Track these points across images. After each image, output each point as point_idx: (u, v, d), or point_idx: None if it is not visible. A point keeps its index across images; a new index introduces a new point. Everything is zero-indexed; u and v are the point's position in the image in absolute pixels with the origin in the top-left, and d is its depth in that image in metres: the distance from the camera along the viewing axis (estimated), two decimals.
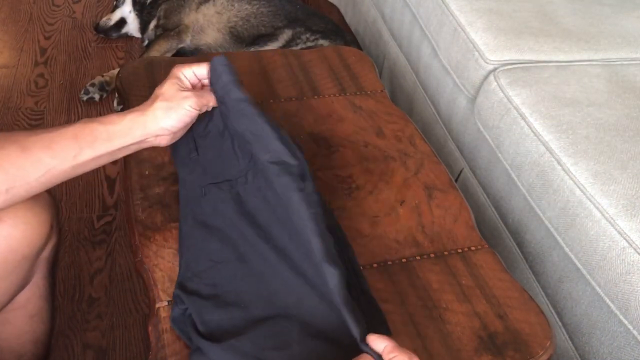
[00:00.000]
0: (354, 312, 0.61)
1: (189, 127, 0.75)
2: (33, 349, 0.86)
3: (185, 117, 0.71)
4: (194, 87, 0.75)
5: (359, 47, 1.71)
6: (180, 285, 0.70)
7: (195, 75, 0.75)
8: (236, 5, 1.76)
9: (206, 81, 0.76)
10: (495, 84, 1.07)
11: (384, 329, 0.69)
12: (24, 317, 0.83)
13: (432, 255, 0.80)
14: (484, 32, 1.14)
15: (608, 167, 0.88)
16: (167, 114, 0.69)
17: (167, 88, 0.71)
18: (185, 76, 0.73)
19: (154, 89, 0.72)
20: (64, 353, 1.07)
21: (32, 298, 0.82)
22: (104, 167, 1.46)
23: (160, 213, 0.79)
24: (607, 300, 0.83)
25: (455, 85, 1.21)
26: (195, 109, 0.72)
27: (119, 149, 0.68)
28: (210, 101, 0.75)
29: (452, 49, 1.20)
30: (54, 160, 0.63)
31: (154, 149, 0.89)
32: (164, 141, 0.72)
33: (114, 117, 0.68)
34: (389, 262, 0.79)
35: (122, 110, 0.75)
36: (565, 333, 0.94)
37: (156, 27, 1.82)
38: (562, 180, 0.90)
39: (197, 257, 0.72)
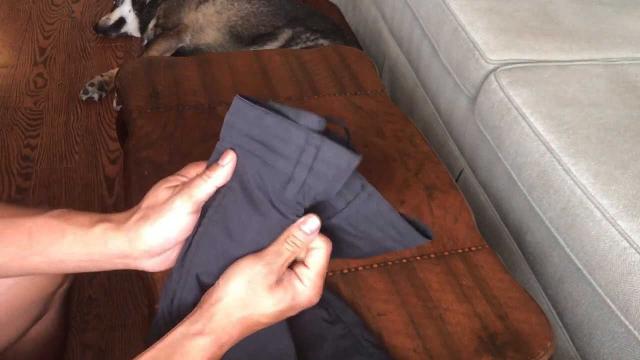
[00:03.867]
0: None
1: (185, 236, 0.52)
2: None
3: (180, 228, 0.51)
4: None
5: (359, 47, 1.71)
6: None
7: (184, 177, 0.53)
8: (236, 4, 1.76)
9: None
10: (496, 83, 1.06)
11: None
12: (36, 346, 0.81)
13: (432, 255, 0.80)
14: (485, 31, 1.14)
15: (609, 167, 0.88)
16: (154, 227, 0.49)
17: (151, 196, 0.52)
18: (174, 179, 0.53)
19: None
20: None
21: (44, 330, 0.79)
22: (103, 167, 1.46)
23: None
24: (608, 301, 0.82)
25: (456, 85, 1.21)
26: (190, 213, 0.50)
27: (85, 261, 0.51)
28: (201, 188, 0.51)
29: (453, 49, 1.20)
30: (1, 257, 0.51)
31: (154, 148, 0.89)
32: (146, 265, 0.52)
33: (85, 219, 0.51)
34: (389, 262, 0.79)
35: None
36: (565, 333, 0.94)
37: (155, 26, 1.82)
38: (562, 180, 0.90)
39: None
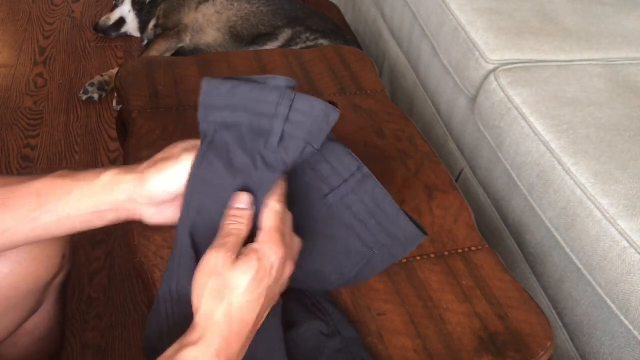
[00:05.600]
0: None
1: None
2: None
3: (180, 176, 0.54)
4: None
5: (359, 47, 1.71)
6: None
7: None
8: (236, 4, 1.76)
9: None
10: (496, 83, 1.06)
11: None
12: (33, 340, 0.81)
13: (432, 255, 0.80)
14: (485, 31, 1.14)
15: (609, 167, 0.88)
16: (161, 177, 0.53)
17: (165, 151, 0.56)
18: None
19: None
20: (63, 353, 1.07)
21: (41, 323, 0.80)
22: (103, 167, 1.46)
23: None
24: (608, 301, 0.82)
25: (456, 85, 1.21)
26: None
27: (90, 213, 0.54)
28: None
29: (453, 49, 1.20)
30: (11, 221, 0.53)
31: (154, 148, 0.89)
32: (149, 217, 0.56)
33: (90, 175, 0.54)
34: None
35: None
36: (566, 333, 0.94)
37: (155, 26, 1.82)
38: (562, 180, 0.90)
39: None
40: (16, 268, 0.67)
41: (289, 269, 0.53)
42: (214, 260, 0.49)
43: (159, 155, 0.56)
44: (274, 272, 0.50)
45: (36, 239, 0.56)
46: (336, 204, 0.57)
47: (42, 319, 0.79)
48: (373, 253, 0.60)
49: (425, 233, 0.58)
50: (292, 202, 0.56)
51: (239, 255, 0.49)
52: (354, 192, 0.57)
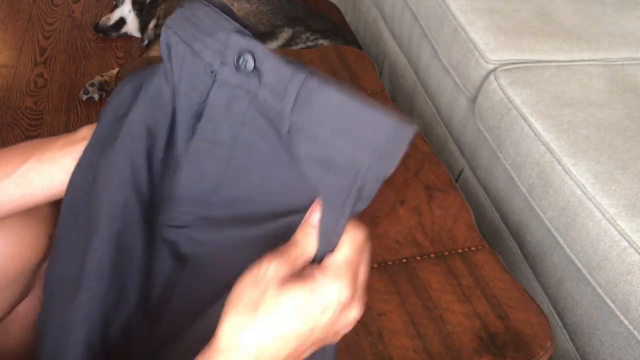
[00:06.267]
0: None
1: None
2: None
3: None
4: None
5: (359, 47, 1.71)
6: None
7: None
8: (235, 4, 1.76)
9: None
10: (496, 83, 1.07)
11: None
12: (25, 327, 0.80)
13: (432, 255, 0.80)
14: (484, 31, 1.14)
15: (609, 167, 0.88)
16: None
17: None
18: None
19: None
20: None
21: (32, 309, 0.79)
22: None
23: None
24: (608, 301, 0.82)
25: (456, 85, 1.21)
26: None
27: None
28: None
29: (452, 49, 1.20)
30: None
31: None
32: None
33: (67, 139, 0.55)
34: (389, 262, 0.79)
35: None
36: (565, 333, 0.94)
37: (156, 26, 1.82)
38: (562, 180, 0.90)
39: None
40: (3, 249, 0.67)
41: (352, 315, 0.42)
42: (265, 268, 0.39)
43: None
44: (327, 314, 0.39)
45: (25, 204, 0.57)
46: (297, 146, 0.42)
47: (33, 305, 0.79)
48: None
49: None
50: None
51: (294, 273, 0.39)
52: (309, 113, 0.41)
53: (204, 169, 0.48)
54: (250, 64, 0.43)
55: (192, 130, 0.48)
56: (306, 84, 0.41)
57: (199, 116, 0.47)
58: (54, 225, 0.73)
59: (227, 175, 0.48)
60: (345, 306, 0.41)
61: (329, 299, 0.39)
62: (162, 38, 0.48)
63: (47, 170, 0.56)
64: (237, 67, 0.44)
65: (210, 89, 0.46)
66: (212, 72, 0.45)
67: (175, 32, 0.47)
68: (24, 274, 0.72)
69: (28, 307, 0.79)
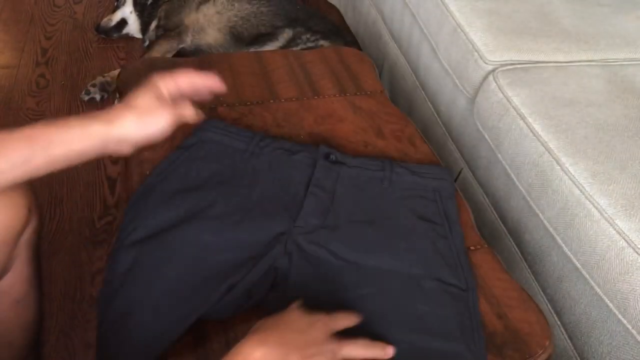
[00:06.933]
0: None
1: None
2: (22, 335, 0.85)
3: (157, 133, 0.67)
4: (173, 99, 0.69)
5: (359, 48, 1.71)
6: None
7: (176, 85, 0.69)
8: (236, 5, 1.77)
9: (187, 91, 0.71)
10: (495, 84, 1.07)
11: None
12: (9, 303, 0.81)
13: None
14: (484, 32, 1.15)
15: (607, 167, 0.89)
16: (137, 127, 0.66)
17: (142, 98, 0.67)
18: (165, 86, 0.69)
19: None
20: (65, 353, 1.08)
21: (15, 284, 0.80)
22: (105, 167, 1.46)
23: None
24: (606, 300, 0.83)
25: (455, 85, 1.22)
26: (169, 127, 0.67)
27: (76, 155, 0.65)
28: (187, 114, 0.69)
29: (452, 50, 1.20)
30: (5, 165, 0.60)
31: (156, 148, 0.89)
32: (125, 150, 0.68)
33: (73, 122, 0.64)
34: None
35: None
36: (564, 332, 0.94)
37: (157, 27, 1.83)
38: (561, 180, 0.91)
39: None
40: None
41: None
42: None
43: (135, 102, 0.67)
44: None
45: (23, 180, 0.63)
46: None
47: (16, 279, 0.80)
48: None
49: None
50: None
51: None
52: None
53: None
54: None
55: None
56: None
57: None
58: (32, 197, 0.76)
59: None
60: None
61: None
62: None
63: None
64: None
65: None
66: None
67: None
68: (7, 243, 0.73)
69: (11, 281, 0.79)
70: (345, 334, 0.62)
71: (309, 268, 0.72)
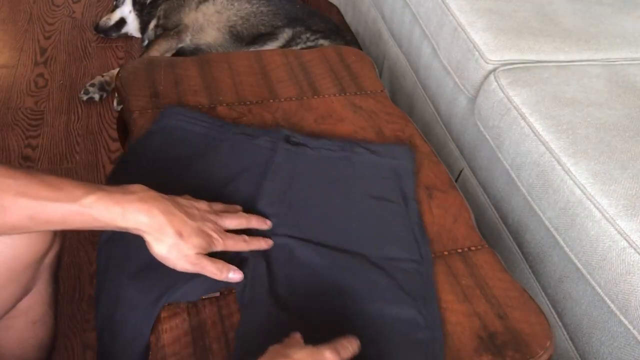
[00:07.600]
0: None
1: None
2: (36, 355, 0.86)
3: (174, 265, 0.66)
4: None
5: (359, 47, 1.71)
6: None
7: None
8: (236, 4, 1.77)
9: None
10: (496, 84, 1.07)
11: None
12: (26, 323, 0.82)
13: (432, 255, 0.80)
14: (484, 32, 1.14)
15: (608, 167, 0.88)
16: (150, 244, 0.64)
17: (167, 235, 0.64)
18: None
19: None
20: (63, 353, 1.07)
21: (34, 305, 0.81)
22: (104, 167, 1.46)
23: None
24: (607, 300, 0.83)
25: (455, 85, 1.22)
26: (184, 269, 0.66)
27: (75, 228, 0.63)
28: (209, 271, 0.67)
29: (452, 49, 1.20)
30: (36, 207, 0.59)
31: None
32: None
33: (88, 200, 0.61)
34: None
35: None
36: (565, 333, 0.94)
37: (156, 26, 1.83)
38: (562, 180, 0.90)
39: None
40: (16, 240, 0.70)
41: None
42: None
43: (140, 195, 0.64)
44: None
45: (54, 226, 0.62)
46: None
47: (35, 301, 0.81)
48: None
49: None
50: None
51: None
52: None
53: None
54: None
55: None
56: None
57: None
58: None
59: None
60: None
61: None
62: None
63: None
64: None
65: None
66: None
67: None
68: (31, 266, 0.74)
69: (30, 303, 0.80)
70: (302, 305, 0.68)
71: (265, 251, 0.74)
